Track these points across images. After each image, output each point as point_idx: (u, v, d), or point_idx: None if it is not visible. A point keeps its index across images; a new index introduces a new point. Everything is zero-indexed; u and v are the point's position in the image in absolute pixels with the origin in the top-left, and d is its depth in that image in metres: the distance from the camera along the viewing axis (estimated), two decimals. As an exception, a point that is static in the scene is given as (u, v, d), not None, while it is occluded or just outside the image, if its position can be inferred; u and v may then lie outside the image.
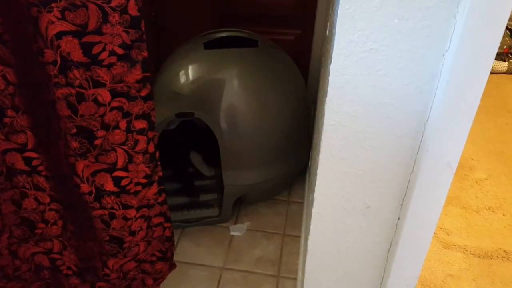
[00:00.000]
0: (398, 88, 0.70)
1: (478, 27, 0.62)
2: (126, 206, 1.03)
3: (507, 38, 2.84)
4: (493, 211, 1.64)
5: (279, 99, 1.54)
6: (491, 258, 1.44)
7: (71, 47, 0.81)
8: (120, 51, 0.84)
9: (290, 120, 1.57)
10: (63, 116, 0.89)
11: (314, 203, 0.86)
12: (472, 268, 1.41)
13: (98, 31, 0.80)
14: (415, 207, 0.78)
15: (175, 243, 1.49)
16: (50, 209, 1.07)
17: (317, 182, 0.84)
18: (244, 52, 1.54)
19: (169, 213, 1.14)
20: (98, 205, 1.01)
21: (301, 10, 1.99)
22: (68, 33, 0.79)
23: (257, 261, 1.46)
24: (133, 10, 0.80)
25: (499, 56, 2.85)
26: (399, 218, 0.83)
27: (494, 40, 0.62)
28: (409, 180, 0.78)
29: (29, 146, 0.97)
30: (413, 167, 0.76)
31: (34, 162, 1.00)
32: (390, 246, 0.88)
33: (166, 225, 1.15)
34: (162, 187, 1.07)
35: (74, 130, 0.90)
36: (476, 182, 1.82)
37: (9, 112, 0.92)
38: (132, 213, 1.05)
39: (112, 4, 0.78)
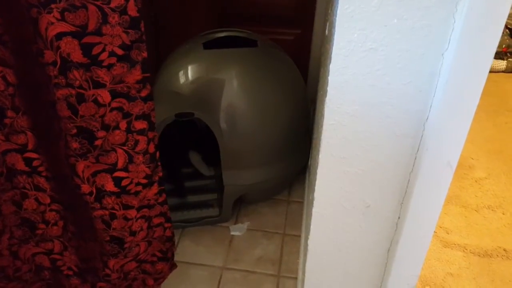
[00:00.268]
0: (398, 88, 0.70)
1: (477, 26, 0.62)
2: (126, 207, 1.03)
3: (505, 37, 2.84)
4: (492, 210, 1.64)
5: (278, 99, 1.54)
6: (491, 257, 1.44)
7: (71, 48, 0.81)
8: (120, 51, 0.84)
9: (290, 119, 1.58)
10: (63, 117, 0.89)
11: (314, 202, 0.86)
12: (472, 266, 1.42)
13: (98, 32, 0.81)
14: (415, 206, 0.78)
15: (176, 243, 1.50)
16: (51, 210, 1.07)
17: (317, 182, 0.84)
18: (244, 52, 1.55)
19: (169, 213, 1.15)
20: (98, 205, 1.01)
21: (301, 10, 2.00)
22: (68, 34, 0.80)
23: (258, 261, 1.46)
24: (132, 11, 0.81)
25: (498, 55, 2.85)
26: (399, 217, 0.83)
27: (493, 39, 0.62)
28: (409, 180, 0.78)
29: (30, 146, 0.97)
30: (413, 166, 0.76)
31: (35, 163, 1.00)
32: (391, 245, 0.88)
33: (166, 225, 1.15)
34: (163, 187, 1.07)
35: (75, 131, 0.90)
36: (476, 181, 1.82)
37: (9, 113, 0.93)
38: (132, 213, 1.05)
39: (112, 5, 0.78)
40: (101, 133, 0.92)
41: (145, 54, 0.87)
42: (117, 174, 0.98)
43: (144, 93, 0.91)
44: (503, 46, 2.83)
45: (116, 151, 0.95)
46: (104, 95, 0.88)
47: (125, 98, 0.90)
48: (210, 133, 1.46)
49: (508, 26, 2.87)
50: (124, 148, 0.95)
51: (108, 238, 1.07)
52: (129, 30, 0.82)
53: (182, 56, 1.57)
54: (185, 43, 1.62)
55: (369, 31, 0.66)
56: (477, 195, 1.73)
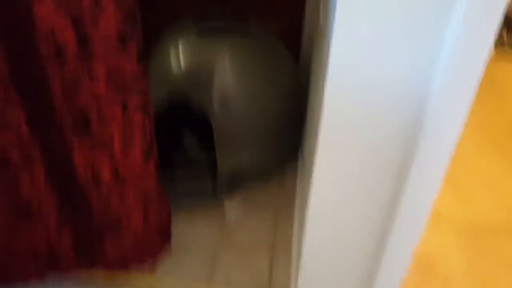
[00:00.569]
0: (396, 72, 0.71)
1: (477, 8, 0.63)
2: (123, 183, 1.03)
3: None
4: (481, 188, 1.69)
5: (271, 82, 1.54)
6: (481, 233, 1.49)
7: (66, 39, 0.80)
8: (115, 42, 0.83)
9: (282, 101, 1.58)
10: (58, 107, 0.88)
11: (312, 185, 0.88)
12: (463, 243, 1.46)
13: (94, 23, 0.79)
14: (412, 189, 0.80)
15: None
16: (47, 196, 1.07)
17: (315, 164, 0.85)
18: (236, 38, 1.54)
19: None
20: (95, 186, 1.01)
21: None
22: (63, 25, 0.78)
23: (252, 241, 1.48)
24: (128, 1, 0.79)
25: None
26: (396, 199, 0.85)
27: (493, 21, 0.63)
28: (407, 163, 0.80)
29: (24, 137, 0.96)
30: (412, 150, 0.78)
31: (29, 153, 0.99)
32: (387, 226, 0.91)
33: (163, 204, 1.16)
34: (159, 165, 1.07)
35: (71, 118, 0.90)
36: (465, 161, 1.86)
37: (1, 105, 0.91)
38: (129, 193, 1.05)
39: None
40: (97, 123, 0.92)
41: (140, 44, 0.86)
42: (113, 155, 0.98)
43: (140, 83, 0.90)
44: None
45: (112, 135, 0.95)
46: (100, 86, 0.87)
47: (122, 88, 0.89)
48: (203, 115, 1.46)
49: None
50: (121, 130, 0.95)
51: (105, 218, 1.08)
52: (125, 21, 0.81)
53: (174, 44, 1.55)
54: (176, 30, 1.60)
55: (368, 20, 0.66)
56: (466, 174, 1.77)
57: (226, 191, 1.64)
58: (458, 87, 0.68)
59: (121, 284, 1.27)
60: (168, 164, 1.70)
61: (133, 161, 1.01)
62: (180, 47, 1.53)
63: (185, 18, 1.62)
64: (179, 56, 1.51)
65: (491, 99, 2.36)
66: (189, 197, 1.62)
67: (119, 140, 0.96)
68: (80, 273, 1.25)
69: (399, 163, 0.80)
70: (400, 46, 0.68)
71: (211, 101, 1.45)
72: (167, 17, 1.84)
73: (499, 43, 2.87)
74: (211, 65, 1.46)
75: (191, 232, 1.51)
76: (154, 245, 1.24)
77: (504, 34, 2.86)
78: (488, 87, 2.49)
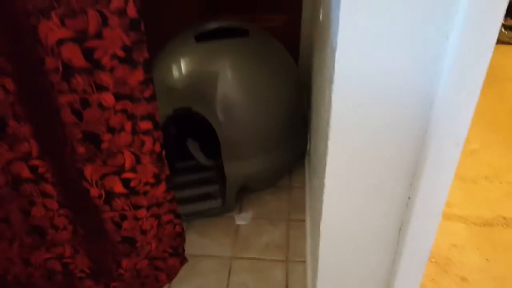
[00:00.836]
0: (404, 71, 0.71)
1: (481, 5, 0.63)
2: (136, 207, 1.04)
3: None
4: (490, 180, 1.68)
5: (273, 87, 1.54)
6: (491, 226, 1.48)
7: (72, 53, 0.81)
8: (121, 54, 0.83)
9: (285, 106, 1.58)
10: (68, 123, 0.88)
11: (325, 188, 0.87)
12: (474, 236, 1.45)
13: (99, 36, 0.80)
14: (424, 186, 0.80)
15: (183, 237, 1.51)
16: (59, 215, 1.07)
17: (327, 168, 0.85)
18: (236, 42, 1.54)
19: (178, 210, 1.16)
20: (108, 207, 1.02)
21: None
22: (68, 39, 0.79)
23: (265, 248, 1.48)
24: (132, 12, 0.80)
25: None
26: (409, 198, 0.85)
27: (497, 18, 0.63)
28: (418, 160, 0.80)
29: (34, 154, 0.97)
30: (422, 147, 0.78)
31: (40, 170, 0.99)
32: (402, 224, 0.90)
33: (176, 221, 1.16)
34: (170, 185, 1.07)
35: (80, 136, 0.90)
36: (471, 152, 1.85)
37: (11, 122, 0.92)
38: (142, 213, 1.06)
39: (111, 8, 0.78)
40: (107, 136, 0.92)
41: (146, 55, 0.86)
42: (125, 175, 0.98)
43: (147, 94, 0.91)
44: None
45: (123, 153, 0.95)
46: (108, 98, 0.87)
47: (129, 100, 0.89)
48: (207, 124, 1.46)
49: None
50: (131, 149, 0.95)
51: (119, 239, 1.08)
52: (129, 32, 0.82)
53: (174, 51, 1.56)
54: (176, 37, 1.61)
55: (374, 14, 0.67)
56: (473, 167, 1.76)
57: (235, 201, 1.64)
58: (465, 81, 0.68)
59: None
60: (174, 174, 1.71)
61: (145, 172, 1.01)
62: (179, 53, 1.54)
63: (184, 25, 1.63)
64: (179, 63, 1.51)
65: (493, 85, 2.35)
66: (199, 208, 1.62)
67: (129, 151, 0.96)
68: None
69: (411, 163, 0.80)
70: (407, 42, 0.68)
71: (214, 107, 1.45)
72: (168, 25, 1.86)
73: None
74: (212, 70, 1.47)
75: (203, 247, 1.50)
76: (169, 266, 1.24)
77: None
78: (490, 74, 2.49)
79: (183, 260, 1.27)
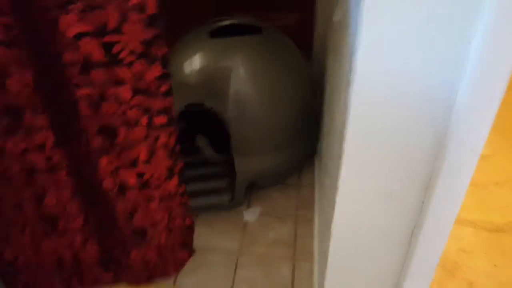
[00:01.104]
0: (424, 75, 0.71)
1: (505, 13, 0.62)
2: (148, 199, 1.05)
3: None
4: (500, 186, 1.67)
5: (285, 85, 1.54)
6: (501, 232, 1.48)
7: (91, 48, 0.81)
8: (139, 49, 0.84)
9: (297, 104, 1.58)
10: (84, 116, 0.89)
11: (338, 190, 0.87)
12: (483, 242, 1.45)
13: (118, 30, 0.80)
14: (439, 192, 0.80)
15: (191, 230, 1.52)
16: (72, 204, 1.08)
17: (341, 170, 0.85)
18: (249, 39, 1.54)
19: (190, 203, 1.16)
20: (121, 199, 1.03)
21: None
22: (88, 34, 0.79)
23: (272, 244, 1.49)
24: (152, 8, 0.80)
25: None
26: (423, 203, 0.85)
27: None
28: (434, 167, 0.79)
29: (49, 144, 0.98)
30: (439, 153, 0.77)
31: (54, 160, 1.00)
32: (414, 229, 0.90)
33: (186, 214, 1.17)
34: (183, 178, 1.08)
35: (96, 129, 0.91)
36: (482, 158, 1.83)
37: (28, 112, 0.92)
38: (154, 205, 1.06)
39: (131, 3, 0.78)
40: (122, 130, 0.93)
41: (164, 50, 0.86)
42: (139, 168, 0.99)
43: (164, 89, 0.91)
44: None
45: (137, 147, 0.96)
46: (125, 93, 0.88)
47: (146, 95, 0.90)
48: (217, 119, 1.46)
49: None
50: (146, 143, 0.96)
51: (130, 230, 1.09)
52: (148, 27, 0.82)
53: (188, 46, 1.56)
54: (190, 33, 1.61)
55: (397, 19, 0.66)
56: (484, 172, 1.75)
57: (244, 196, 1.64)
58: (486, 88, 0.68)
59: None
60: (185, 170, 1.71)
61: (158, 166, 1.02)
62: (193, 49, 1.54)
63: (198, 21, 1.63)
64: (193, 58, 1.51)
65: (507, 91, 2.33)
66: (208, 202, 1.62)
67: (144, 145, 0.97)
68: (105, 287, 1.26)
69: (427, 168, 0.80)
70: (429, 45, 0.68)
71: (226, 103, 1.45)
72: (181, 23, 1.86)
73: None
74: (224, 66, 1.47)
75: (211, 240, 1.51)
76: (177, 258, 1.25)
77: None
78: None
79: (191, 252, 1.28)
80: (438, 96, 0.72)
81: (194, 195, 1.63)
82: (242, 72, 1.48)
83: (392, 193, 0.85)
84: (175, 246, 1.21)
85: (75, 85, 0.85)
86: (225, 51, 1.50)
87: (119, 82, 0.86)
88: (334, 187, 0.92)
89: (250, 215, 1.60)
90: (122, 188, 1.01)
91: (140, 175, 1.00)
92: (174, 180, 1.06)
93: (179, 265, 1.29)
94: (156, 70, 0.88)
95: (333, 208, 0.92)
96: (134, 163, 0.98)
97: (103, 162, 0.96)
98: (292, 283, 1.35)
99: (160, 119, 0.94)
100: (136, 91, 0.88)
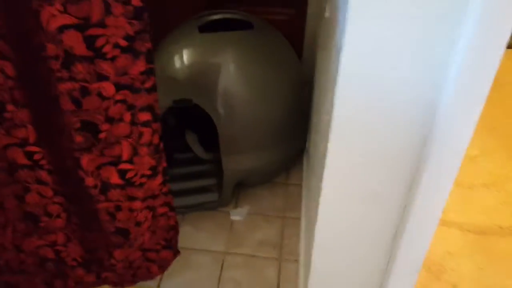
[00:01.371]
0: (408, 77, 0.70)
1: (489, 16, 0.62)
2: (131, 198, 1.03)
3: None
4: (487, 188, 1.67)
5: (275, 82, 1.53)
6: (487, 234, 1.48)
7: (74, 41, 0.79)
8: (123, 43, 0.82)
9: (287, 102, 1.57)
10: (66, 111, 0.87)
11: (322, 191, 0.87)
12: (469, 244, 1.45)
13: (101, 24, 0.78)
14: (422, 194, 0.79)
15: (177, 229, 1.50)
16: (54, 203, 1.06)
17: (325, 171, 0.84)
18: (239, 34, 1.52)
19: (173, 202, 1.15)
20: (103, 198, 1.01)
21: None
22: (71, 26, 0.77)
23: (259, 245, 1.48)
24: (136, 1, 0.78)
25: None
26: (406, 205, 0.84)
27: (505, 30, 0.62)
28: (418, 167, 0.79)
29: (31, 140, 0.95)
30: (422, 155, 0.77)
31: (36, 156, 0.98)
32: (397, 231, 0.90)
33: (170, 214, 1.15)
34: (167, 177, 1.06)
35: (78, 125, 0.89)
36: (470, 158, 1.84)
37: (9, 107, 0.90)
38: (137, 204, 1.05)
39: (115, -5, 0.76)
40: (105, 126, 0.91)
41: (149, 45, 0.85)
42: (122, 166, 0.97)
43: (148, 84, 0.89)
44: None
45: (120, 144, 0.94)
46: (108, 88, 0.86)
47: (129, 90, 0.88)
48: (207, 117, 1.45)
49: None
50: (129, 140, 0.94)
51: (113, 230, 1.07)
52: (133, 21, 0.80)
53: (177, 41, 1.55)
54: (179, 27, 1.59)
55: (382, 20, 0.65)
56: (471, 173, 1.76)
57: (231, 195, 1.63)
58: (470, 91, 0.67)
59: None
60: (171, 166, 1.70)
61: (142, 164, 1.00)
62: (182, 43, 1.52)
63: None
64: (181, 53, 1.50)
65: (493, 90, 2.33)
66: (195, 201, 1.61)
67: (127, 142, 0.95)
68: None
69: (410, 170, 0.79)
70: (414, 48, 0.67)
71: (215, 100, 1.44)
72: (172, 16, 1.84)
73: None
74: (214, 62, 1.45)
75: (197, 240, 1.49)
76: (161, 259, 1.23)
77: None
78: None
79: (175, 252, 1.27)
80: (422, 98, 0.71)
81: (182, 193, 1.62)
82: (232, 68, 1.46)
83: (375, 195, 0.84)
84: (159, 246, 1.19)
85: (57, 79, 0.83)
86: (215, 46, 1.49)
87: (102, 77, 0.84)
88: (318, 187, 0.91)
89: (237, 214, 1.59)
90: (105, 187, 0.99)
91: (123, 174, 0.98)
92: (158, 179, 1.04)
93: (163, 266, 1.27)
94: (140, 65, 0.86)
95: (317, 209, 0.92)
96: (117, 161, 0.96)
97: (85, 159, 0.94)
98: (278, 284, 1.34)
99: (144, 116, 0.93)
100: (119, 87, 0.87)
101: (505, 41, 0.64)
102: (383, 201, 0.86)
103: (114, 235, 1.08)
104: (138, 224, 1.09)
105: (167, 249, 1.22)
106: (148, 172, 1.01)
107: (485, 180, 1.71)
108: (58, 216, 1.09)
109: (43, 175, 1.01)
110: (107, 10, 0.77)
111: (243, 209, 1.61)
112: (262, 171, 1.64)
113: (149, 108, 0.93)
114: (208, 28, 1.51)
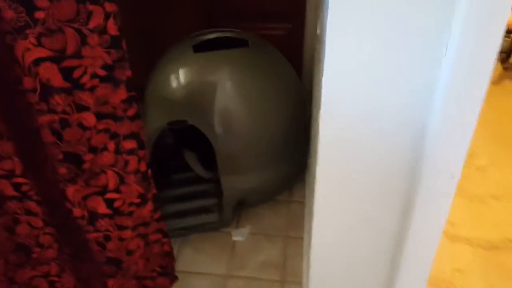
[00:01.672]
0: (395, 98, 0.67)
1: (476, 31, 0.59)
2: (121, 227, 1.01)
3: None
4: (497, 200, 1.62)
5: (273, 99, 1.50)
6: (498, 249, 1.42)
7: (50, 73, 0.78)
8: (102, 72, 0.80)
9: (286, 119, 1.54)
10: (48, 143, 0.85)
11: (314, 215, 0.83)
12: (479, 260, 1.39)
13: (78, 55, 0.77)
14: (418, 217, 0.76)
15: (176, 252, 1.47)
16: (45, 233, 1.05)
17: (316, 195, 0.81)
18: (235, 53, 1.50)
19: (167, 228, 1.12)
20: (92, 228, 0.99)
21: (291, 3, 1.94)
22: (46, 59, 0.76)
23: (262, 266, 1.44)
24: (112, 30, 0.77)
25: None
26: (402, 228, 0.80)
27: (493, 45, 0.59)
28: (410, 191, 0.75)
29: (17, 172, 0.94)
30: (414, 178, 0.73)
31: (24, 188, 0.96)
32: (395, 255, 0.86)
33: (164, 240, 1.13)
34: (158, 204, 1.04)
35: (61, 156, 0.87)
36: (479, 168, 1.79)
37: None
38: (127, 233, 1.02)
39: (90, 26, 0.75)
40: (88, 156, 0.89)
41: (128, 73, 0.83)
42: (108, 196, 0.95)
43: (130, 112, 0.87)
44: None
45: (106, 173, 0.92)
46: (89, 118, 0.84)
47: (112, 119, 0.86)
48: (205, 136, 1.42)
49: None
50: (114, 169, 0.92)
51: (104, 260, 1.05)
52: (110, 50, 0.79)
53: (172, 61, 1.53)
54: (174, 46, 1.58)
55: (363, 40, 0.62)
56: (480, 184, 1.70)
57: (232, 215, 1.60)
58: (458, 113, 0.64)
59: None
60: (170, 187, 1.67)
61: (129, 192, 0.98)
62: (176, 64, 1.50)
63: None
64: (176, 73, 1.48)
65: (501, 98, 2.27)
66: (195, 222, 1.58)
67: (112, 170, 0.93)
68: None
69: (403, 193, 0.76)
70: (398, 70, 0.64)
71: (211, 120, 1.41)
72: (168, 35, 1.83)
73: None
74: (209, 81, 1.43)
75: (197, 263, 1.45)
76: (158, 285, 1.20)
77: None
78: (498, 88, 2.41)
79: (173, 278, 1.24)
80: (409, 121, 0.67)
81: (181, 215, 1.59)
82: (228, 87, 1.44)
83: (369, 218, 0.80)
84: (154, 273, 1.17)
85: (37, 112, 0.82)
86: (210, 66, 1.47)
87: (82, 107, 0.83)
88: (310, 213, 0.88)
89: (239, 235, 1.55)
90: (92, 217, 0.97)
91: (110, 203, 0.96)
92: (148, 206, 1.01)
93: (161, 293, 1.25)
94: (121, 94, 0.84)
95: (310, 234, 0.88)
96: (103, 191, 0.94)
97: (71, 190, 0.92)
98: (280, 306, 1.30)
99: (129, 144, 0.91)
100: (101, 116, 0.85)
101: (491, 64, 0.61)
102: (378, 224, 0.82)
103: (106, 265, 1.06)
104: (130, 253, 1.06)
105: (163, 276, 1.20)
106: (137, 200, 0.99)
107: (495, 191, 1.65)
108: (50, 246, 1.07)
109: (32, 205, 0.99)
110: (83, 41, 0.76)
111: (244, 229, 1.58)
112: (262, 190, 1.61)
113: (134, 135, 0.90)
114: (203, 47, 1.49)
